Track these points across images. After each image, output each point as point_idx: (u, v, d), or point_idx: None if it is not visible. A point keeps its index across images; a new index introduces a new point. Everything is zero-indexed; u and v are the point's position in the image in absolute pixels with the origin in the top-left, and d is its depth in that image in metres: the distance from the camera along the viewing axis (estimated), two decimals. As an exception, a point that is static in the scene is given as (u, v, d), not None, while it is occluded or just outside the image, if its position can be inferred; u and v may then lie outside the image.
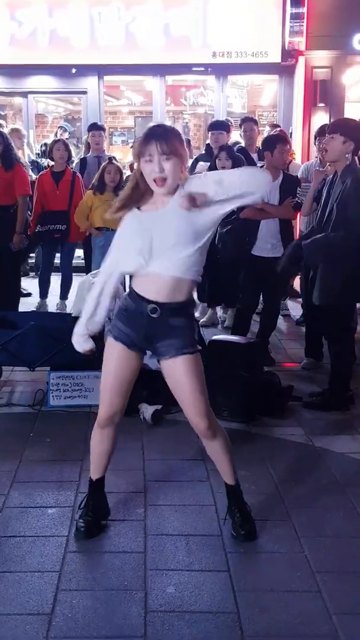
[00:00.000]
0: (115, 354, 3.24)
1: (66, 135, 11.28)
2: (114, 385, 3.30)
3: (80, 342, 3.32)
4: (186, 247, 2.99)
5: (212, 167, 7.22)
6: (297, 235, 6.65)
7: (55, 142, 8.16)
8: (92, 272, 5.88)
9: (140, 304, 3.10)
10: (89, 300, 3.28)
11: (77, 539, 3.34)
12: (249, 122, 8.70)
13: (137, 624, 2.74)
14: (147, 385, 4.92)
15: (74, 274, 8.22)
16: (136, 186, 3.08)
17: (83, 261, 8.46)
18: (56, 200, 7.76)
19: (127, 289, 3.30)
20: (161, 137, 2.95)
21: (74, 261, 8.36)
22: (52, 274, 8.22)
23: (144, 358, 3.33)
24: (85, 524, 3.38)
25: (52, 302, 8.08)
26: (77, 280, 7.47)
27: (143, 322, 3.11)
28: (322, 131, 7.16)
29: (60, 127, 11.55)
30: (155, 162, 2.94)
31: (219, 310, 7.57)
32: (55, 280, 8.19)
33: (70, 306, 7.14)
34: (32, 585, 2.99)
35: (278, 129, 9.45)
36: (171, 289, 3.05)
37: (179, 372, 3.15)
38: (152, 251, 3.00)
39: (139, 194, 3.09)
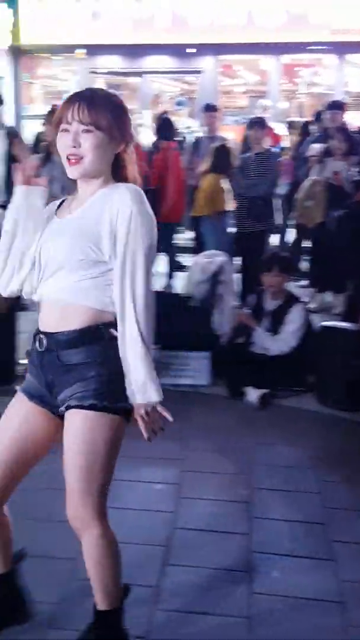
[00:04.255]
0: (16, 407, 2.36)
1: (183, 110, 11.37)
2: (4, 447, 2.32)
3: None
4: (74, 274, 2.18)
5: (327, 149, 7.11)
6: None
7: None
8: (205, 253, 5.91)
9: (36, 338, 2.30)
10: None
11: None
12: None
13: (241, 605, 2.76)
14: (254, 368, 4.93)
15: (183, 255, 8.30)
16: None
17: (193, 242, 8.51)
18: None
19: None
20: (87, 101, 2.16)
21: (183, 242, 8.44)
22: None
23: (57, 424, 2.31)
24: None
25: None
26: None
27: (37, 362, 2.30)
28: None
29: (179, 103, 11.57)
30: (71, 132, 2.16)
31: (329, 296, 7.46)
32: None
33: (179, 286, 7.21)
34: (139, 557, 3.06)
35: None
36: (58, 313, 2.23)
37: (67, 432, 2.23)
38: (40, 269, 2.25)
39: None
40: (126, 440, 4.20)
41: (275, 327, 5.05)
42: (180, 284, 6.81)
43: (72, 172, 2.20)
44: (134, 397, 2.19)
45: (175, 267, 8.27)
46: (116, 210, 2.14)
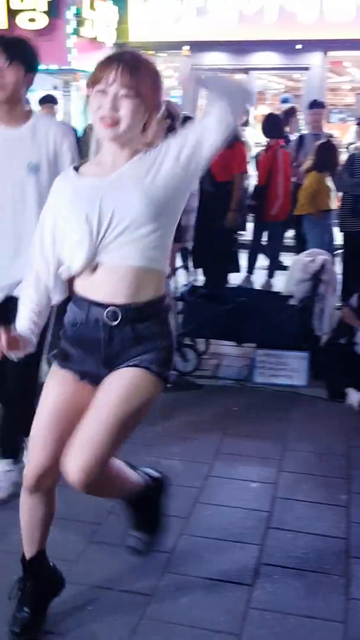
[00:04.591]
0: (59, 385, 2.32)
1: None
2: (51, 428, 2.28)
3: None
4: (147, 227, 2.15)
5: None
6: None
7: None
8: (307, 252, 5.83)
9: (93, 310, 2.21)
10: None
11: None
12: None
13: (337, 609, 2.71)
14: (356, 370, 4.84)
15: (285, 253, 8.25)
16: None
17: (294, 241, 8.44)
18: None
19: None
20: (129, 65, 2.12)
21: (285, 241, 8.40)
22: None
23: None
24: (21, 625, 2.45)
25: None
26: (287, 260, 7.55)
27: (99, 335, 2.22)
28: None
29: (284, 100, 11.52)
30: (109, 95, 2.13)
31: None
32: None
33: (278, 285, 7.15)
34: (234, 554, 3.07)
35: None
36: (133, 282, 2.18)
37: (111, 382, 2.23)
38: (100, 232, 2.15)
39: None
40: (224, 438, 4.24)
41: (379, 329, 4.94)
42: (280, 282, 6.76)
43: (107, 134, 2.16)
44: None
45: (276, 265, 8.22)
46: (166, 151, 2.18)
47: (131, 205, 2.13)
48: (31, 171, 3.14)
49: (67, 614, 2.62)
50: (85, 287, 2.24)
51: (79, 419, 2.22)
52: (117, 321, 2.19)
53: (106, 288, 2.20)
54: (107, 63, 2.14)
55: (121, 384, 2.20)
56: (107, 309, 2.19)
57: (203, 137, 2.15)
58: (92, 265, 2.19)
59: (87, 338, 2.25)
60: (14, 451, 3.50)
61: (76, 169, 2.30)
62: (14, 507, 2.52)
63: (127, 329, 2.20)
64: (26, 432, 2.56)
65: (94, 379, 2.27)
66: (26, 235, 3.07)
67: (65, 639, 2.52)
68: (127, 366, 2.21)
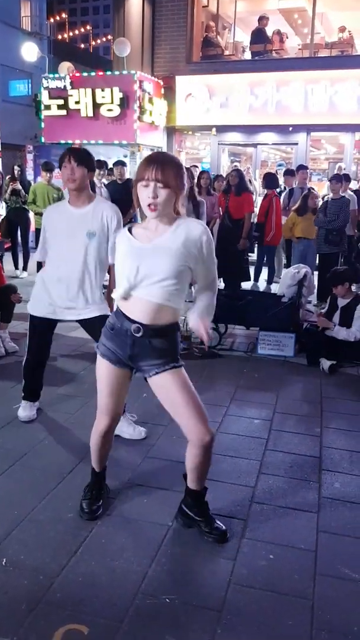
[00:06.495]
0: (103, 372, 2.37)
1: (282, 169, 11.30)
2: (108, 398, 2.40)
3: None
4: (170, 281, 2.16)
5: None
6: None
7: None
8: (293, 266, 5.77)
9: (125, 322, 2.24)
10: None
11: (82, 518, 2.53)
12: None
13: (312, 501, 2.68)
14: (327, 346, 4.76)
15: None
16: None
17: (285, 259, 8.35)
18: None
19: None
20: (159, 164, 2.09)
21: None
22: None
23: (132, 374, 2.40)
24: (89, 509, 2.56)
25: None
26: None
27: (127, 340, 2.25)
28: None
29: (279, 165, 11.46)
30: (150, 188, 2.09)
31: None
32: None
33: (274, 289, 7.08)
34: (242, 466, 3.05)
35: None
36: (154, 312, 2.19)
37: (167, 387, 2.26)
38: (137, 280, 2.17)
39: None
40: (237, 390, 4.19)
41: (344, 318, 4.86)
42: (276, 287, 6.70)
43: (152, 215, 2.14)
44: (206, 317, 2.30)
45: (273, 275, 8.15)
46: (198, 239, 2.15)
47: (161, 267, 2.14)
48: (89, 237, 3.13)
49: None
50: (124, 306, 2.25)
51: (122, 388, 2.39)
52: (140, 334, 2.21)
53: (136, 311, 2.21)
54: (145, 165, 2.09)
55: (173, 385, 2.25)
56: (134, 324, 2.21)
57: (200, 280, 2.29)
58: (127, 296, 2.22)
59: (119, 339, 2.27)
60: (36, 396, 3.63)
61: (130, 230, 2.24)
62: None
63: (146, 341, 2.22)
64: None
65: (124, 365, 2.32)
66: (85, 277, 3.18)
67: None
68: (159, 371, 2.25)
